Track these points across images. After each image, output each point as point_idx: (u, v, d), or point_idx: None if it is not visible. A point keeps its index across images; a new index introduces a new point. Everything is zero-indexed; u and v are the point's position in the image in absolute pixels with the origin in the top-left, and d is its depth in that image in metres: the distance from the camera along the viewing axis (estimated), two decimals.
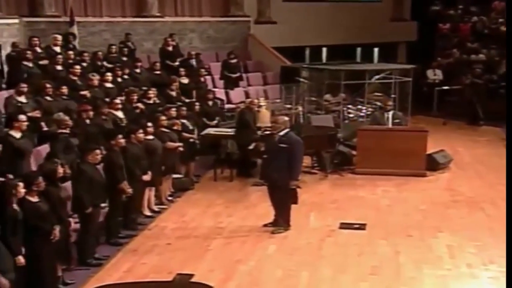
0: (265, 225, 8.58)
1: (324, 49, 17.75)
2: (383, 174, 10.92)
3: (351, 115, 13.34)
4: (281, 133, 8.37)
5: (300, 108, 13.40)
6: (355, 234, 8.37)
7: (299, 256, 7.62)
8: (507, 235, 6.35)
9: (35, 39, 11.88)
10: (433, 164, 11.27)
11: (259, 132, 10.95)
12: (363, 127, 12.04)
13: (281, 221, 8.51)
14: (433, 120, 15.27)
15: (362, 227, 8.59)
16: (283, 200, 8.46)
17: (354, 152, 11.61)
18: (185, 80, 12.84)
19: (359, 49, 18.26)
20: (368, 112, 13.21)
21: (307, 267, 7.26)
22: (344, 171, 11.39)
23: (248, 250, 7.86)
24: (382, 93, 13.83)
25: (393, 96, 13.15)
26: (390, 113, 11.70)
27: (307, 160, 11.67)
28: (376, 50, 16.75)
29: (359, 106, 13.43)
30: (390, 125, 11.58)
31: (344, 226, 8.64)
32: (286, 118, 8.75)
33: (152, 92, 11.21)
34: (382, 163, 10.97)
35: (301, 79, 14.13)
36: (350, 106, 13.48)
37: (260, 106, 11.97)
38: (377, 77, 13.70)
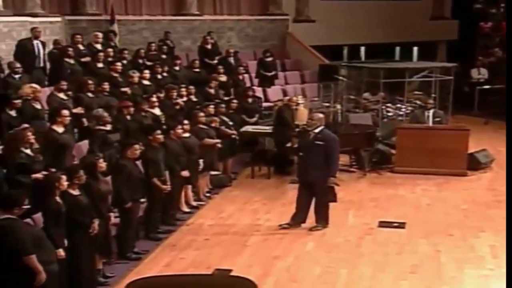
0: (281, 226, 8.43)
1: (362, 48, 17.57)
2: (422, 173, 10.77)
3: (390, 114, 13.18)
4: (316, 130, 8.28)
5: (338, 107, 13.29)
6: (395, 232, 8.27)
7: (338, 254, 7.55)
8: (507, 235, 6.20)
9: (78, 36, 12.04)
10: (474, 164, 11.06)
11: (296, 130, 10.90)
12: (402, 125, 11.90)
13: (321, 219, 8.42)
14: (474, 120, 14.99)
15: (401, 225, 8.48)
16: (321, 198, 8.37)
17: (393, 151, 11.47)
18: (223, 78, 12.85)
19: (398, 48, 18.02)
20: (408, 111, 13.04)
21: (345, 265, 7.19)
22: (382, 169, 11.27)
23: (286, 247, 7.82)
24: (422, 92, 13.63)
25: (433, 95, 12.95)
26: (431, 111, 11.55)
27: (345, 159, 11.58)
28: (415, 49, 16.52)
29: (398, 105, 13.26)
30: (430, 124, 11.40)
31: (383, 224, 8.54)
32: (321, 115, 8.65)
33: (188, 90, 11.25)
34: (421, 162, 10.81)
35: (340, 77, 14.01)
36: (389, 104, 13.32)
37: (298, 104, 11.93)
38: (417, 76, 13.50)
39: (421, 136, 10.99)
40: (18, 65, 9.67)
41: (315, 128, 8.30)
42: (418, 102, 13.19)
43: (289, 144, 10.70)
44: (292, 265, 7.26)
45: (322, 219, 8.42)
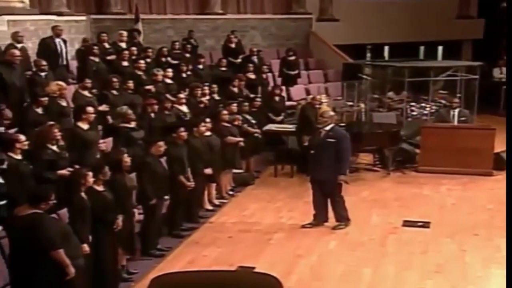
0: (304, 226, 8.38)
1: (386, 48, 17.43)
2: (447, 172, 10.65)
3: (414, 113, 13.06)
4: (327, 128, 8.19)
5: (362, 106, 13.21)
6: (419, 232, 8.19)
7: (361, 253, 7.50)
8: (507, 236, 6.09)
9: (104, 35, 12.12)
10: (500, 163, 10.89)
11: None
12: (427, 124, 11.78)
13: (341, 217, 8.35)
14: (500, 119, 14.73)
15: (426, 225, 8.39)
16: (333, 196, 8.29)
17: (417, 150, 11.36)
18: (252, 76, 12.87)
19: (422, 48, 17.84)
20: (432, 110, 12.91)
21: (369, 263, 7.14)
22: (406, 169, 11.18)
23: (309, 245, 7.79)
24: (447, 91, 13.48)
25: (458, 94, 12.80)
26: (456, 110, 11.41)
27: (368, 158, 11.54)
28: (440, 48, 16.35)
29: (423, 104, 13.13)
30: (455, 123, 11.27)
31: (408, 223, 8.46)
32: (332, 113, 8.58)
33: (211, 88, 11.26)
34: (446, 161, 10.69)
35: (364, 76, 13.92)
36: (413, 104, 13.20)
37: (321, 103, 11.85)
38: (442, 75, 13.35)
39: (446, 136, 10.87)
40: (44, 62, 9.77)
41: (326, 125, 8.20)
42: (443, 101, 13.04)
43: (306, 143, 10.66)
44: (315, 264, 7.22)
45: (342, 217, 8.36)
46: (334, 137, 8.13)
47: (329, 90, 15.15)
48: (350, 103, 13.33)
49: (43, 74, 9.64)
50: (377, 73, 13.94)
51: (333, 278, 6.82)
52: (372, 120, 12.47)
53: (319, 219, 8.41)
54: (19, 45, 9.96)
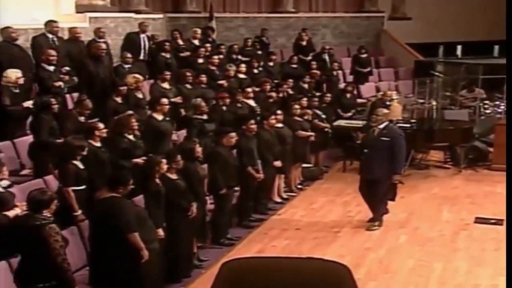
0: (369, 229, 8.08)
1: (459, 46, 16.90)
2: None
3: (488, 111, 12.59)
4: (381, 126, 7.89)
5: (434, 103, 12.84)
6: (492, 229, 7.90)
7: (432, 248, 7.30)
8: (507, 236, 5.82)
9: (176, 32, 12.31)
10: None
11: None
12: (501, 122, 11.32)
13: (377, 216, 8.06)
14: None
15: (499, 222, 8.06)
16: (383, 195, 8.00)
17: (490, 149, 10.96)
18: (322, 73, 12.81)
19: (496, 47, 17.20)
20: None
21: (440, 259, 6.94)
22: (479, 167, 10.79)
23: (378, 239, 7.65)
24: None
25: None
26: None
27: (439, 155, 11.24)
28: None
29: (497, 102, 12.64)
30: None
31: (480, 220, 8.18)
32: (386, 111, 8.29)
33: (286, 83, 11.24)
34: None
35: (436, 74, 13.54)
36: (487, 102, 12.73)
37: (392, 100, 11.65)
38: None
39: None
40: (129, 55, 10.02)
41: (380, 123, 7.91)
42: None
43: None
44: (384, 257, 7.08)
45: (378, 218, 8.04)
46: (388, 135, 7.83)
47: (399, 87, 14.86)
48: (421, 101, 12.97)
49: (127, 66, 9.86)
50: (450, 70, 13.53)
51: (402, 272, 6.67)
52: (443, 117, 12.10)
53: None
54: (100, 40, 10.22)
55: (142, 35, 11.27)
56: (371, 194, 8.00)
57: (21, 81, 7.96)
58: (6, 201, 5.49)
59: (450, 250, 7.22)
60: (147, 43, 11.31)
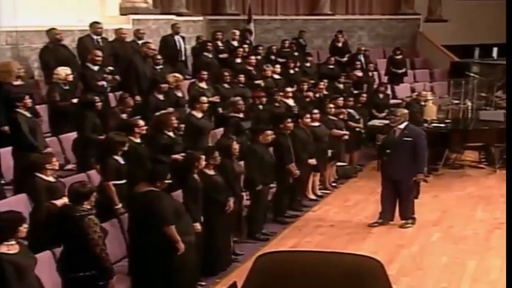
0: (371, 225, 7.93)
1: (495, 48, 16.52)
2: None
3: None
4: (401, 126, 7.71)
5: (468, 103, 12.58)
6: None
7: (465, 246, 7.14)
8: (507, 237, 5.63)
9: (219, 33, 12.34)
10: None
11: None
12: None
13: (408, 214, 7.89)
14: None
15: None
16: (408, 194, 7.81)
17: None
18: (359, 73, 12.67)
19: None
20: None
21: (473, 256, 6.78)
22: None
23: (411, 236, 7.52)
24: None
25: None
26: None
27: (473, 155, 11.01)
28: None
29: None
30: None
31: None
32: (405, 111, 8.09)
33: (322, 83, 11.16)
34: None
35: (471, 75, 13.26)
36: None
37: (427, 100, 11.46)
38: None
39: None
40: (159, 56, 10.10)
41: (400, 124, 7.74)
42: None
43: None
44: (417, 254, 6.96)
45: (409, 215, 7.88)
46: (411, 135, 7.66)
47: (434, 88, 14.60)
48: (456, 101, 12.73)
49: (158, 67, 9.93)
50: (485, 71, 13.24)
51: (436, 268, 6.54)
52: (478, 118, 11.84)
53: (385, 217, 7.97)
54: (140, 42, 10.31)
55: (176, 37, 11.32)
56: (397, 193, 7.86)
57: (71, 78, 8.16)
58: (57, 190, 5.59)
59: (484, 248, 7.05)
60: (182, 44, 11.36)
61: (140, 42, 10.29)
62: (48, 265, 5.08)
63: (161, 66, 9.92)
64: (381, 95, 12.01)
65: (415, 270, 6.54)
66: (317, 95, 10.85)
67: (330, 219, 8.25)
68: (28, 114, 6.91)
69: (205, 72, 9.74)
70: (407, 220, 7.90)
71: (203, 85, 9.57)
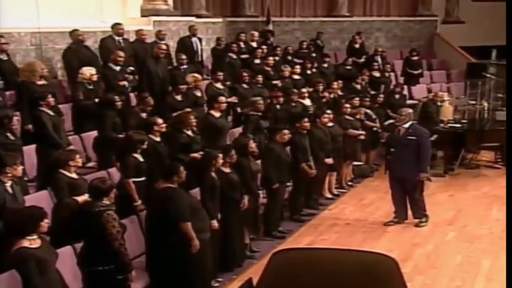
0: (387, 224, 7.87)
1: None
2: None
3: None
4: (406, 125, 7.66)
5: (485, 104, 12.44)
6: None
7: (480, 245, 7.06)
8: (507, 236, 5.50)
9: (243, 34, 12.32)
10: None
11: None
12: None
13: (420, 213, 7.82)
14: None
15: None
16: (413, 193, 7.74)
17: None
18: (377, 74, 12.60)
19: None
20: None
21: (488, 255, 6.69)
22: None
23: (425, 235, 7.45)
24: None
25: None
26: None
27: (489, 155, 10.89)
28: None
29: None
30: None
31: None
32: (410, 110, 8.03)
33: (337, 84, 11.10)
34: None
35: (488, 75, 13.11)
36: None
37: (443, 101, 11.35)
38: None
39: None
40: (184, 57, 10.13)
41: (404, 123, 7.69)
42: None
43: (432, 138, 10.16)
44: (432, 253, 6.89)
45: (421, 214, 7.80)
46: (415, 134, 7.61)
47: (451, 89, 14.44)
48: (473, 102, 12.60)
49: (182, 67, 9.96)
50: (502, 72, 13.03)
51: (450, 267, 6.48)
52: (494, 118, 11.71)
53: (399, 217, 7.91)
54: (161, 42, 10.35)
55: (193, 38, 11.33)
56: (405, 192, 7.80)
57: (95, 78, 8.24)
58: (79, 187, 5.63)
59: (499, 247, 6.92)
60: (199, 45, 11.37)
61: (162, 42, 10.32)
62: (69, 259, 5.12)
63: (185, 66, 9.96)
64: (397, 96, 11.91)
65: (429, 268, 6.48)
66: (332, 95, 10.80)
67: (346, 218, 8.21)
68: (51, 113, 6.98)
69: (221, 73, 9.74)
70: (420, 219, 7.83)
71: (219, 85, 9.57)
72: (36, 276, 4.34)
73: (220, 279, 6.30)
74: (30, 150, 6.93)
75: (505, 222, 7.04)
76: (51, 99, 6.99)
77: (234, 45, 11.41)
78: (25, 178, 6.76)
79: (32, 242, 4.43)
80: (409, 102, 13.38)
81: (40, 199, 5.87)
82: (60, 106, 7.87)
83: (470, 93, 13.10)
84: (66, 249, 5.16)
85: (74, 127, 8.09)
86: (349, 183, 9.77)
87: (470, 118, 11.16)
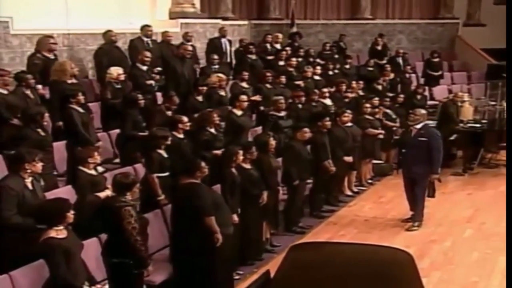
0: (405, 221, 7.71)
1: None
2: None
3: None
4: (418, 126, 7.49)
5: (505, 105, 12.20)
6: None
7: (497, 242, 6.87)
8: (507, 236, 5.41)
9: (269, 36, 12.27)
10: None
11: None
12: None
13: (417, 215, 7.62)
14: None
15: None
16: (420, 193, 7.58)
17: None
18: (391, 75, 12.46)
19: None
20: None
21: (505, 253, 6.51)
22: None
23: (443, 232, 7.33)
24: None
25: None
26: None
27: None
28: None
29: None
30: None
31: None
32: (423, 111, 7.84)
33: (357, 84, 11.00)
34: None
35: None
36: None
37: (463, 101, 11.17)
38: None
39: None
40: (216, 57, 10.12)
41: (417, 123, 7.52)
42: None
43: (452, 138, 10.02)
44: (449, 249, 6.78)
45: (419, 216, 7.59)
46: (426, 135, 7.44)
47: (472, 90, 14.23)
48: (493, 102, 12.38)
49: (213, 67, 9.95)
50: None
51: (466, 264, 6.36)
52: None
53: None
54: (188, 43, 10.37)
55: (223, 39, 11.35)
56: (413, 191, 7.66)
57: (122, 77, 8.28)
58: (99, 183, 5.65)
59: None
60: (228, 46, 11.39)
61: (188, 43, 10.34)
62: (95, 250, 5.15)
63: (216, 66, 9.95)
64: (418, 96, 11.76)
65: (446, 264, 6.38)
66: (353, 95, 10.70)
67: (365, 215, 8.13)
68: (81, 110, 7.03)
69: (246, 73, 9.72)
70: (413, 222, 7.58)
71: (244, 84, 9.56)
72: (63, 265, 4.36)
73: (241, 272, 6.29)
74: (60, 146, 7.01)
75: (505, 221, 6.97)
76: (81, 97, 7.04)
77: (251, 46, 11.36)
78: (55, 173, 6.86)
79: (58, 232, 4.45)
80: (430, 102, 13.24)
81: (64, 194, 5.88)
82: (89, 104, 7.93)
83: (490, 94, 12.88)
84: (91, 240, 5.19)
85: (102, 125, 8.15)
86: (369, 181, 9.68)
87: (490, 118, 10.96)
